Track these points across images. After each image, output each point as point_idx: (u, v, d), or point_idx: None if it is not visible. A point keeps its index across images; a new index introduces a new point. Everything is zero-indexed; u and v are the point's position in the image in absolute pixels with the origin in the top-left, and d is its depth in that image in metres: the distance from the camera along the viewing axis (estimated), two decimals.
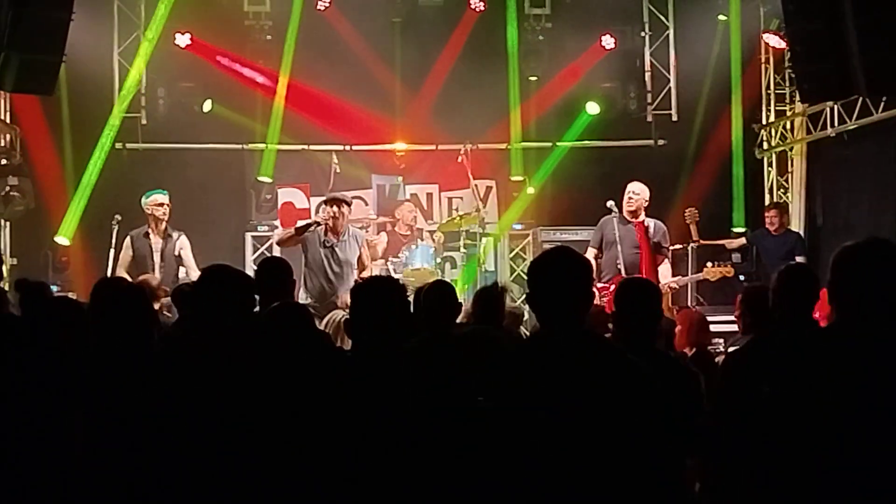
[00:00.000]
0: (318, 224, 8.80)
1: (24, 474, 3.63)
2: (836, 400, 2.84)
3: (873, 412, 2.80)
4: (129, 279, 8.35)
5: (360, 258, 8.88)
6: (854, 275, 2.93)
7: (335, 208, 8.80)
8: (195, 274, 8.74)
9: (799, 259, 9.91)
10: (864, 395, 2.81)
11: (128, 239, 9.07)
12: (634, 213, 9.33)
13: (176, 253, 8.98)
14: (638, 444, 3.00)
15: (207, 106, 11.56)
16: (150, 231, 9.01)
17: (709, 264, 9.67)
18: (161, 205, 9.04)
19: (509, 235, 12.19)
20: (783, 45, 11.39)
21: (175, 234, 9.08)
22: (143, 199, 9.14)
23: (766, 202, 11.98)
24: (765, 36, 11.73)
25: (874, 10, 8.46)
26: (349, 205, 9.11)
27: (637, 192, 9.38)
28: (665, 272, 9.26)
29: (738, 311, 5.08)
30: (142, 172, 11.30)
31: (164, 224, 9.05)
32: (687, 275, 10.06)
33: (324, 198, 9.39)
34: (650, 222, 9.28)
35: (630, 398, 3.02)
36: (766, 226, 10.73)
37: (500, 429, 3.06)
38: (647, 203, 9.38)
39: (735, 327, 6.38)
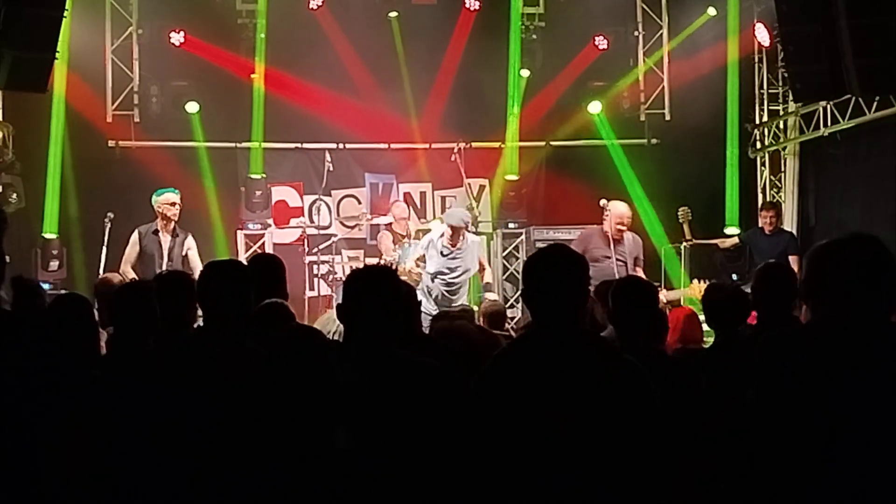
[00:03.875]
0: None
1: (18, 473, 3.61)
2: (819, 399, 2.83)
3: (855, 410, 2.79)
4: (134, 275, 8.37)
5: (479, 262, 9.34)
6: (832, 272, 2.93)
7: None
8: None
9: (792, 258, 9.91)
10: (847, 392, 2.81)
11: (135, 234, 8.99)
12: (621, 234, 9.21)
13: (183, 253, 8.97)
14: (633, 443, 2.99)
15: (193, 108, 11.54)
16: (159, 229, 8.96)
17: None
18: (173, 204, 9.01)
19: (502, 234, 12.20)
20: (768, 40, 11.37)
21: (182, 234, 9.06)
22: (154, 197, 9.08)
23: (760, 202, 11.98)
24: (757, 26, 11.63)
25: (867, 11, 8.49)
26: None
27: (629, 216, 9.25)
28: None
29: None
30: (134, 171, 11.29)
31: (173, 223, 9.02)
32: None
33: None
34: (628, 236, 9.18)
35: (625, 396, 3.02)
36: (761, 225, 10.74)
37: (494, 427, 3.05)
38: (621, 223, 9.18)
39: None
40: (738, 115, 11.92)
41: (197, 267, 8.94)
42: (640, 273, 9.08)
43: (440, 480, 3.24)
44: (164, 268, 8.78)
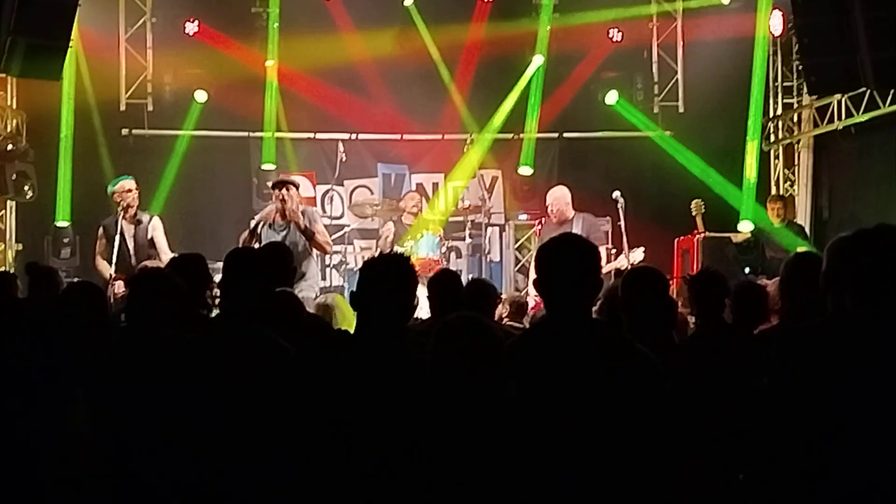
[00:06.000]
0: (265, 220, 8.72)
1: (25, 459, 3.61)
2: (832, 392, 2.82)
3: (868, 403, 2.78)
4: (109, 268, 8.50)
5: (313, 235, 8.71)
6: (848, 263, 2.92)
7: (282, 191, 8.65)
8: (166, 257, 8.50)
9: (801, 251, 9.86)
10: (860, 385, 2.79)
11: (100, 229, 9.01)
12: (561, 221, 9.49)
13: (148, 237, 8.91)
14: (640, 433, 2.99)
15: (202, 97, 11.54)
16: (119, 219, 8.81)
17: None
18: (129, 191, 8.94)
19: (514, 225, 12.18)
20: (781, 28, 11.25)
21: (146, 218, 9.00)
22: (109, 188, 9.06)
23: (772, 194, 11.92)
24: (773, 14, 11.47)
25: (883, 4, 8.46)
26: (297, 186, 8.95)
27: (549, 202, 9.65)
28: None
29: None
30: (147, 159, 11.31)
31: (133, 209, 8.94)
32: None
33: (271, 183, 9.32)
34: (578, 220, 9.45)
35: (634, 387, 3.02)
36: (770, 217, 10.70)
37: (504, 416, 3.05)
38: (567, 204, 9.58)
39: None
40: (762, 105, 11.73)
41: (163, 250, 8.83)
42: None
43: (452, 470, 3.23)
44: (132, 255, 8.76)
